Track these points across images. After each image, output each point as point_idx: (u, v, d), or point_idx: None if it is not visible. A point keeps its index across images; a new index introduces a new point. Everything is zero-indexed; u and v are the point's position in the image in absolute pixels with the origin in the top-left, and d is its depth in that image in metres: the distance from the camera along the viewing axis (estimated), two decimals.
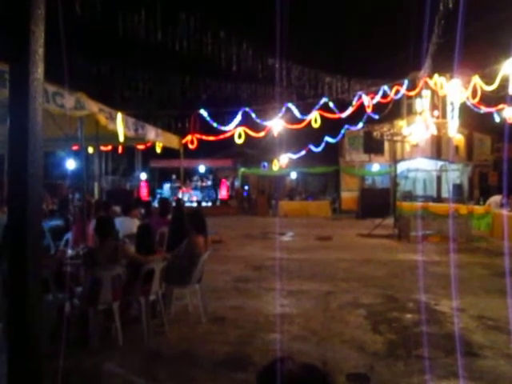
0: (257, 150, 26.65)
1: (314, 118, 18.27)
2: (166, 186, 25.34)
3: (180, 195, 20.31)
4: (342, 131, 22.34)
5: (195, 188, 25.42)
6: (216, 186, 26.32)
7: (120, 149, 18.36)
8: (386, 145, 20.75)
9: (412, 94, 20.21)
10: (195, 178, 26.01)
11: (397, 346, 4.77)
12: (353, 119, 20.28)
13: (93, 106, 5.66)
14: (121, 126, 6.46)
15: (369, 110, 18.86)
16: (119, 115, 6.48)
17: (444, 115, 22.61)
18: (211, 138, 19.59)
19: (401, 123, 21.51)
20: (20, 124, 1.64)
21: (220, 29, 13.03)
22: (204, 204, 23.66)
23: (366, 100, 18.55)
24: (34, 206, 1.62)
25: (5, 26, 1.70)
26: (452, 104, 18.22)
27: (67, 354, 4.02)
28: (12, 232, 1.63)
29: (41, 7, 1.68)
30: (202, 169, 26.26)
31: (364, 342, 4.88)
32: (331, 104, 18.40)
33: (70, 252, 5.53)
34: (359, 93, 18.52)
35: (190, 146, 18.17)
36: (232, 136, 18.65)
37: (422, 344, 4.74)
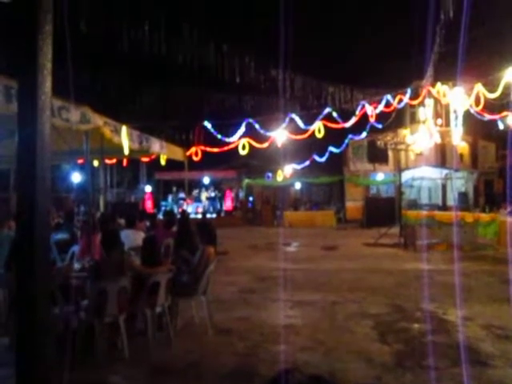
0: (261, 161, 26.68)
1: (318, 127, 18.31)
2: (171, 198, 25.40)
3: (185, 207, 20.34)
4: (346, 141, 22.33)
5: (200, 199, 25.44)
6: (221, 197, 26.33)
7: (125, 161, 18.42)
8: (390, 154, 20.70)
9: (415, 102, 20.23)
10: (200, 189, 26.06)
11: (405, 356, 4.73)
12: (356, 129, 20.28)
13: (98, 120, 5.72)
14: (126, 138, 6.51)
15: (372, 120, 18.87)
16: (124, 128, 6.54)
17: (447, 123, 22.58)
18: (215, 150, 19.63)
19: (404, 132, 21.50)
20: (29, 138, 1.67)
21: (223, 41, 13.17)
22: (209, 215, 23.65)
23: (370, 109, 18.58)
24: (43, 221, 1.64)
25: (13, 41, 1.73)
26: (455, 112, 18.23)
27: (74, 367, 4.03)
28: (21, 246, 1.64)
29: (49, 23, 1.72)
30: (206, 180, 26.29)
31: (371, 352, 4.84)
32: (335, 114, 18.44)
33: (76, 265, 5.54)
34: (362, 102, 18.56)
35: (195, 158, 18.22)
36: (236, 147, 18.71)
37: (430, 354, 4.70)
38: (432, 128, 21.65)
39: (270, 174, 26.34)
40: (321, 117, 18.39)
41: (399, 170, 17.31)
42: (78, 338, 4.52)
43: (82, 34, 9.12)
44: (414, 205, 18.80)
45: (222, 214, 25.21)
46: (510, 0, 13.80)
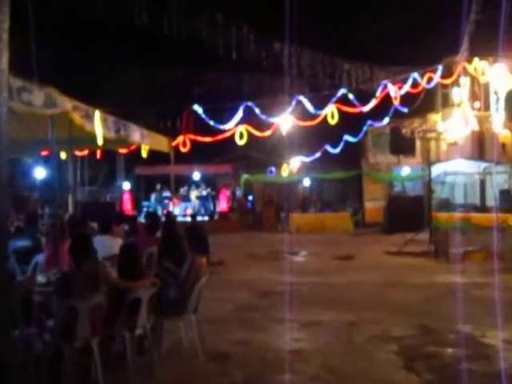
0: (262, 153, 26.66)
1: (331, 112, 18.28)
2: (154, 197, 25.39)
3: (171, 208, 20.33)
4: (365, 128, 22.30)
5: (189, 199, 25.42)
6: (214, 196, 26.33)
7: (98, 153, 18.43)
8: (418, 144, 20.68)
9: (447, 82, 20.22)
10: (189, 187, 26.04)
11: None
12: (377, 114, 20.26)
13: (66, 103, 5.71)
14: (99, 126, 6.51)
15: (396, 103, 18.85)
16: (97, 113, 6.53)
17: (487, 107, 22.54)
18: (207, 139, 19.62)
19: (435, 117, 21.49)
20: None
21: (216, 9, 13.16)
22: (200, 218, 23.64)
23: (393, 90, 18.55)
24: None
25: None
26: (496, 93, 18.23)
27: None
28: None
29: None
30: (196, 176, 26.27)
31: (395, 383, 4.84)
32: (351, 96, 18.42)
33: (40, 278, 5.54)
34: (384, 82, 18.54)
35: (182, 149, 18.22)
36: (232, 136, 18.69)
37: None
38: (468, 112, 21.61)
39: (273, 169, 26.31)
40: (334, 99, 18.36)
41: (428, 163, 17.26)
42: (43, 364, 4.52)
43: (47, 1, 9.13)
44: (447, 205, 18.79)
45: (216, 217, 25.19)
46: None
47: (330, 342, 6.21)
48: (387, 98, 18.88)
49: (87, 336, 4.67)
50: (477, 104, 23.55)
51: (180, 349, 5.82)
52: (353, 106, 18.64)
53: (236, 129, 18.50)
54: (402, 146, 18.36)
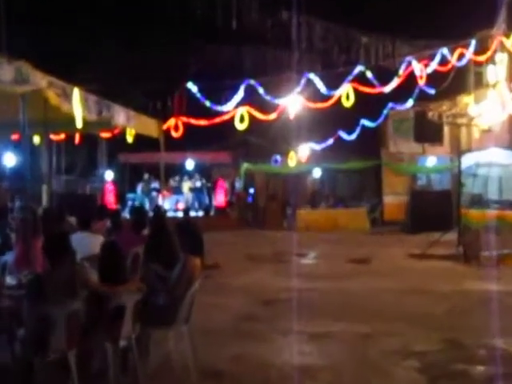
0: (266, 139, 26.63)
1: (346, 93, 18.25)
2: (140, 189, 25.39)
3: (160, 202, 20.35)
4: (385, 112, 22.28)
5: (181, 191, 25.43)
6: (210, 188, 26.32)
7: (77, 138, 18.44)
8: (446, 130, 20.64)
9: (482, 59, 20.14)
10: (181, 177, 26.04)
11: None
12: (399, 95, 20.24)
13: (40, 80, 5.71)
14: (78, 106, 6.51)
15: (421, 83, 18.81)
16: (76, 92, 6.53)
17: None
18: (203, 123, 19.61)
19: (466, 100, 21.41)
20: None
21: None
22: (193, 214, 23.67)
23: (418, 68, 18.50)
24: None
25: None
26: None
27: None
28: None
29: None
30: (190, 165, 26.24)
31: None
32: (369, 74, 18.39)
33: (8, 280, 5.55)
34: (408, 58, 18.50)
35: (174, 134, 18.23)
36: (232, 119, 18.69)
37: None
38: (505, 95, 21.54)
39: (278, 158, 26.30)
40: (350, 78, 18.34)
41: (458, 152, 17.25)
42: (12, 379, 4.54)
43: None
44: (479, 201, 18.72)
45: (212, 213, 25.22)
46: None
47: (342, 358, 6.22)
48: (411, 77, 18.85)
49: (63, 348, 4.67)
50: None
51: (169, 365, 5.82)
52: (371, 85, 18.62)
53: (236, 111, 18.48)
54: (427, 132, 18.28)
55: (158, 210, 11.50)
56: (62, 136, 16.11)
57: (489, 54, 19.57)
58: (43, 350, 4.60)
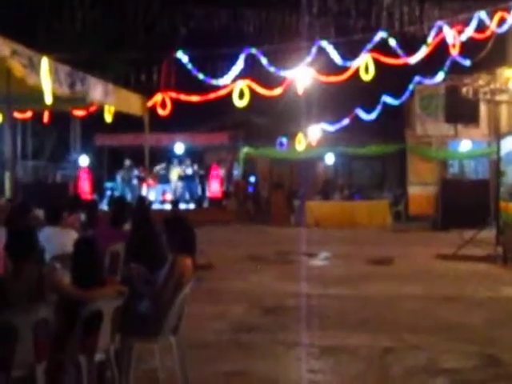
0: (269, 119, 26.65)
1: (365, 64, 18.22)
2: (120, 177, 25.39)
3: (144, 191, 20.35)
4: (411, 87, 22.25)
5: (168, 180, 25.44)
6: (203, 176, 26.32)
7: (46, 116, 18.43)
8: (483, 109, 20.63)
9: None
10: (169, 163, 26.04)
11: None
12: (428, 67, 20.20)
13: (2, 47, 5.67)
14: (47, 78, 6.49)
15: (454, 52, 18.76)
16: (45, 61, 6.50)
17: None
18: (195, 99, 19.61)
19: (507, 73, 21.36)
20: None
21: None
22: (183, 206, 23.70)
23: (451, 35, 18.45)
24: None
25: None
26: None
27: None
28: None
29: None
30: (179, 148, 26.24)
31: None
32: (392, 42, 18.34)
33: None
34: (438, 23, 18.44)
35: (161, 112, 18.23)
36: (229, 95, 18.66)
37: None
38: None
39: (283, 141, 26.30)
40: (370, 46, 18.29)
41: (497, 135, 17.21)
42: None
43: None
44: None
45: (205, 204, 25.27)
46: None
47: (359, 375, 6.22)
48: (442, 46, 18.79)
49: (29, 362, 4.67)
50: None
51: (154, 382, 5.83)
52: (395, 55, 18.57)
53: (234, 85, 18.46)
54: (461, 111, 18.28)
55: (142, 202, 11.50)
56: (29, 114, 16.11)
57: None
58: (7, 365, 4.61)
